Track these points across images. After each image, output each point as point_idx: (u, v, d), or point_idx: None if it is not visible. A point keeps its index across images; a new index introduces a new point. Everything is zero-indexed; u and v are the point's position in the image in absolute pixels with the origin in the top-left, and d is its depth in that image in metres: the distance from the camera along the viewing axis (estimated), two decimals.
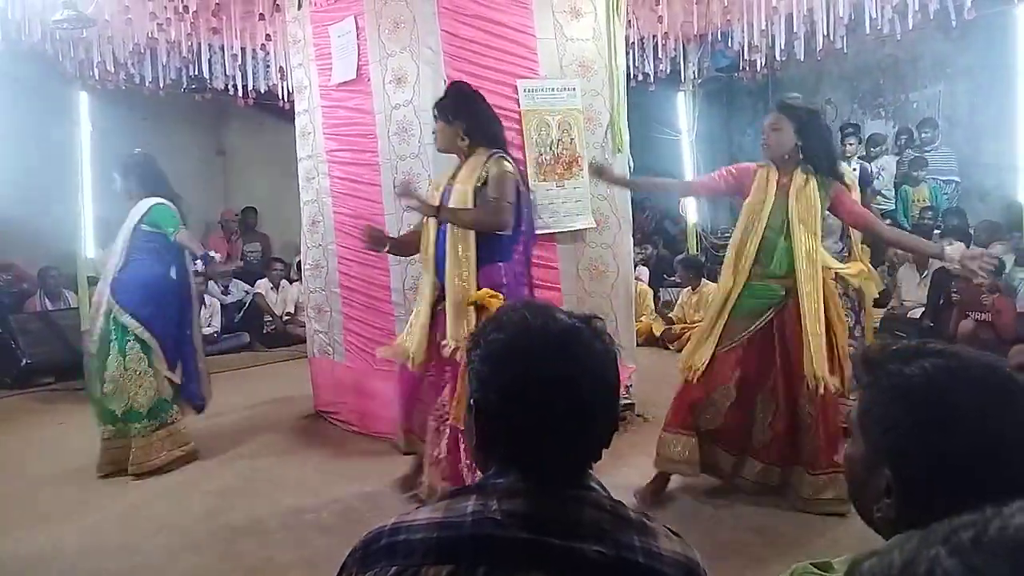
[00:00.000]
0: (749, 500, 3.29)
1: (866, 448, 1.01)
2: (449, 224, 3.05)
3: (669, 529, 1.09)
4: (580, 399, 1.05)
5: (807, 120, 3.18)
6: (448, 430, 3.03)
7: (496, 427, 1.07)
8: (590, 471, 1.08)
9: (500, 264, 3.09)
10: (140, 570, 2.94)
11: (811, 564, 1.04)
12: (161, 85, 6.10)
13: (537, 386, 1.04)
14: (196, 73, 6.08)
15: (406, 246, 3.40)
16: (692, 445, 3.21)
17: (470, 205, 3.06)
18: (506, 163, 3.09)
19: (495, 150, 3.11)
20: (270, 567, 2.90)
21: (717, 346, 3.18)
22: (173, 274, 3.97)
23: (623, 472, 3.48)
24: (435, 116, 3.19)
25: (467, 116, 3.14)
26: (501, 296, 2.94)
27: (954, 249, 3.11)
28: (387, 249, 3.38)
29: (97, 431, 3.89)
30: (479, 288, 3.00)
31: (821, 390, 3.02)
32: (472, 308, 2.98)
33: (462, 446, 2.94)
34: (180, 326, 4.02)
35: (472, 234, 3.03)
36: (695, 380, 3.18)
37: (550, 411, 1.03)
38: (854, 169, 3.98)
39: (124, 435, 3.84)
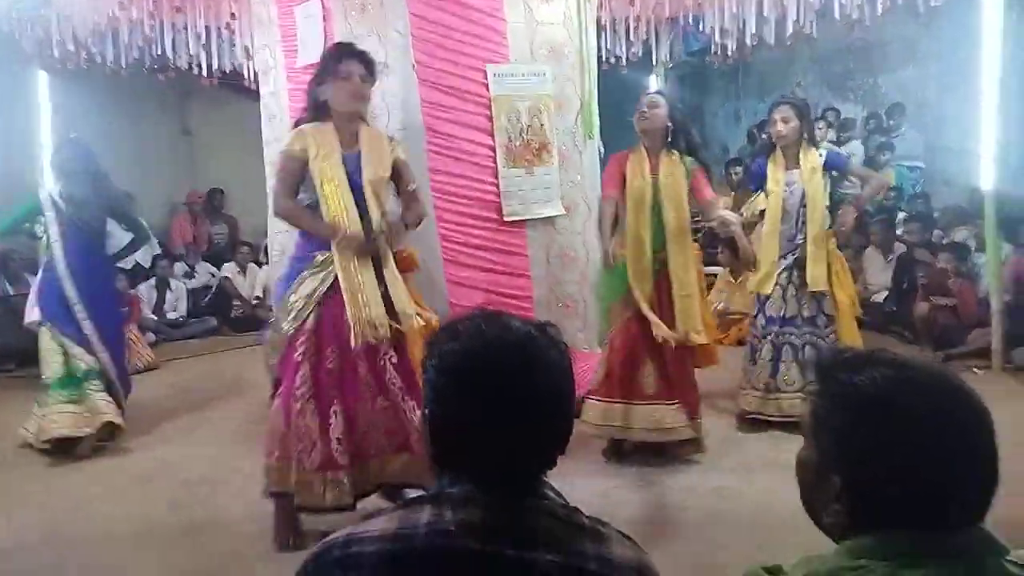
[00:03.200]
0: (711, 485, 3.36)
1: (817, 454, 1.03)
2: None
3: (622, 534, 1.09)
4: (536, 408, 1.05)
5: (677, 106, 3.67)
6: None
7: (451, 437, 1.07)
8: (545, 478, 1.09)
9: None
10: (103, 563, 2.91)
11: (762, 568, 1.05)
12: (123, 65, 5.95)
13: (493, 396, 1.04)
14: (159, 52, 5.93)
15: None
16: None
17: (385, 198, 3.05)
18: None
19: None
20: (236, 561, 2.88)
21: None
22: None
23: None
24: (364, 76, 2.95)
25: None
26: None
27: (728, 215, 3.76)
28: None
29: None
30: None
31: (695, 341, 3.49)
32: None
33: None
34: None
35: None
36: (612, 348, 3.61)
37: (505, 420, 1.03)
38: (820, 154, 4.03)
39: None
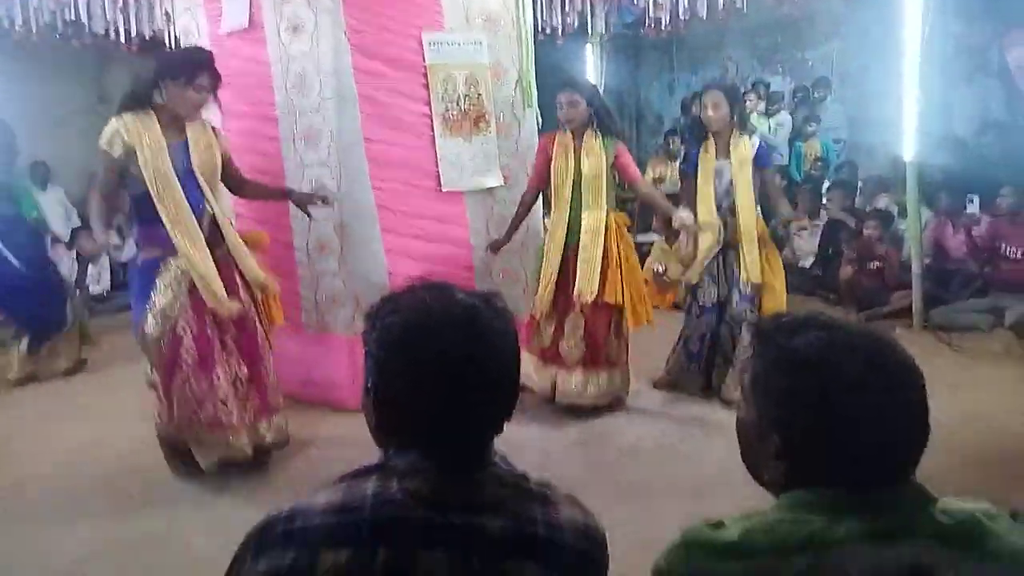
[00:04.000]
0: (652, 444, 3.44)
1: (756, 414, 1.05)
2: None
3: (570, 497, 1.11)
4: (482, 379, 1.04)
5: (594, 92, 3.93)
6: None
7: (396, 410, 1.05)
8: (492, 445, 1.08)
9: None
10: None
11: (704, 524, 1.07)
12: (33, 29, 5.59)
13: (439, 368, 1.02)
14: (73, 17, 5.60)
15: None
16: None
17: None
18: None
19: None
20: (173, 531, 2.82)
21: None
22: None
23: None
24: (211, 89, 3.19)
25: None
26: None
27: (686, 215, 3.89)
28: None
29: None
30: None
31: (587, 299, 3.71)
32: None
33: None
34: None
35: None
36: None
37: (452, 392, 1.02)
38: (753, 144, 4.02)
39: None
